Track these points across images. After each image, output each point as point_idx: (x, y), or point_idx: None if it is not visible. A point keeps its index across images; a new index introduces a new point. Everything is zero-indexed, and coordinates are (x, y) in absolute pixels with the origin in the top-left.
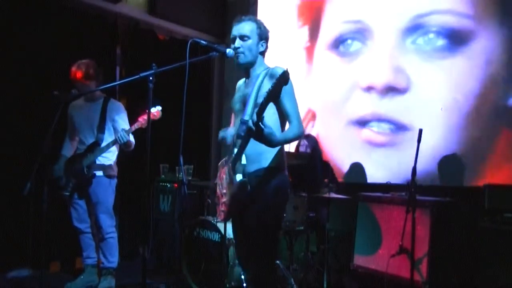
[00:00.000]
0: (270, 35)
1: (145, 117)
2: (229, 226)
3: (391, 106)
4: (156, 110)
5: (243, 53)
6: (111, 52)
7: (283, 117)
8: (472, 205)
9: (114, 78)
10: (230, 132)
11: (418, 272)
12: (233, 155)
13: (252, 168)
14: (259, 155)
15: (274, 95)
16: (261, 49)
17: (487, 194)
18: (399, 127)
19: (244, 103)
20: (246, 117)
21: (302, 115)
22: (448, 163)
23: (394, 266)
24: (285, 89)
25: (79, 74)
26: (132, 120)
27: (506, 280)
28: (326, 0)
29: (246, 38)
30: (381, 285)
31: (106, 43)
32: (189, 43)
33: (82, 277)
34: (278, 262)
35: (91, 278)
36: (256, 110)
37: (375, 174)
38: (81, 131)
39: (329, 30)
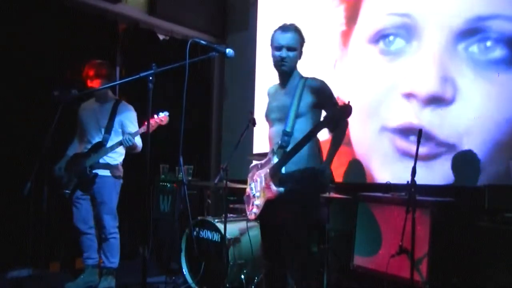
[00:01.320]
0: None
1: (152, 121)
2: (229, 226)
3: (432, 119)
4: (163, 115)
5: (288, 63)
6: (111, 52)
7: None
8: (472, 205)
9: (114, 78)
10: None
11: (418, 272)
12: (273, 164)
13: (291, 168)
14: (300, 158)
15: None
16: (299, 59)
17: (487, 194)
18: (438, 143)
19: (283, 113)
20: (288, 129)
21: None
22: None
23: (394, 266)
24: (326, 99)
25: (91, 72)
26: (139, 123)
27: (506, 280)
28: None
29: (292, 50)
30: (381, 285)
31: (106, 43)
32: (189, 43)
33: (82, 277)
34: None
35: (91, 278)
36: (297, 120)
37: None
38: (89, 131)
39: (369, 19)
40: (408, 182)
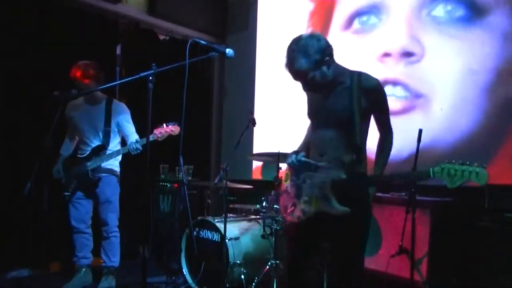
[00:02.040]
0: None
1: (161, 130)
2: (229, 226)
3: (405, 72)
4: (175, 126)
5: (314, 83)
6: (111, 52)
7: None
8: (472, 205)
9: (114, 78)
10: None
11: (418, 272)
12: (339, 178)
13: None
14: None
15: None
16: (325, 66)
17: (487, 194)
18: (413, 94)
19: (335, 118)
20: (356, 141)
21: (279, 116)
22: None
23: (394, 266)
24: (380, 102)
25: (78, 73)
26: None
27: (506, 280)
28: None
29: (310, 77)
30: (381, 285)
31: (106, 43)
32: (189, 43)
33: (78, 277)
34: (278, 262)
35: (87, 278)
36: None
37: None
38: (85, 134)
39: (343, 10)
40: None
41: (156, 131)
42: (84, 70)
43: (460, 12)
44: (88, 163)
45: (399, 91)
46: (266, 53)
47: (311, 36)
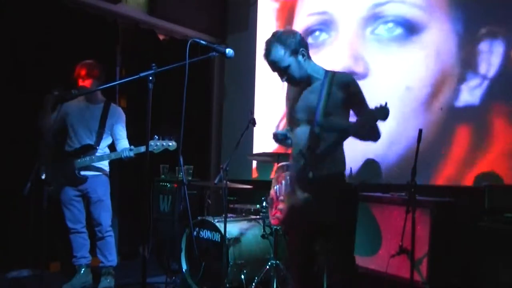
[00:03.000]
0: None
1: (158, 142)
2: (229, 226)
3: None
4: (171, 141)
5: (292, 78)
6: (111, 52)
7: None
8: (472, 205)
9: (114, 78)
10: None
11: (418, 272)
12: (300, 167)
13: (323, 172)
14: (323, 163)
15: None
16: (301, 57)
17: (487, 194)
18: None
19: (311, 113)
20: (317, 130)
21: (279, 116)
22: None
23: (394, 266)
24: (358, 95)
25: (83, 72)
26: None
27: (507, 280)
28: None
29: (287, 68)
30: (381, 285)
31: (106, 43)
32: (189, 43)
33: (78, 277)
34: (278, 262)
35: (87, 278)
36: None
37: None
38: (76, 131)
39: (299, 24)
40: (408, 182)
41: (152, 142)
42: (88, 70)
43: (398, 30)
44: (76, 161)
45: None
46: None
47: (288, 30)
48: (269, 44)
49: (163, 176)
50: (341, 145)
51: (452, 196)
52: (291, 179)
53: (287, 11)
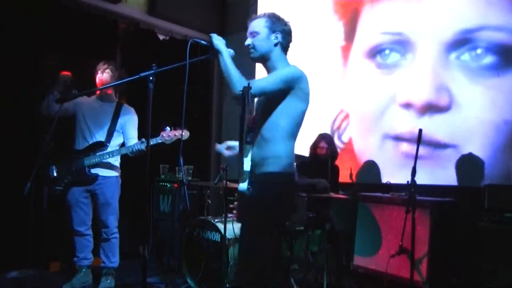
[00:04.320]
0: (291, 28)
1: (169, 133)
2: (229, 226)
3: (430, 125)
4: (184, 130)
5: (253, 48)
6: (111, 52)
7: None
8: (472, 205)
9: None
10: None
11: (418, 272)
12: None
13: (258, 171)
14: (263, 160)
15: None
16: (275, 41)
17: (487, 194)
18: (438, 147)
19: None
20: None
21: (334, 114)
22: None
23: (394, 266)
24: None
25: (105, 67)
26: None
27: (506, 280)
28: (364, 4)
29: (255, 34)
30: (381, 285)
31: (106, 43)
32: (189, 43)
33: (78, 277)
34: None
35: (87, 279)
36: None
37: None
38: (88, 128)
39: (366, 37)
40: (408, 182)
41: (164, 134)
42: (111, 68)
43: (490, 57)
44: (86, 159)
45: (424, 143)
46: (286, 46)
47: (284, 18)
48: (258, 15)
49: (163, 176)
50: (282, 143)
51: (452, 196)
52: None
53: (350, 12)
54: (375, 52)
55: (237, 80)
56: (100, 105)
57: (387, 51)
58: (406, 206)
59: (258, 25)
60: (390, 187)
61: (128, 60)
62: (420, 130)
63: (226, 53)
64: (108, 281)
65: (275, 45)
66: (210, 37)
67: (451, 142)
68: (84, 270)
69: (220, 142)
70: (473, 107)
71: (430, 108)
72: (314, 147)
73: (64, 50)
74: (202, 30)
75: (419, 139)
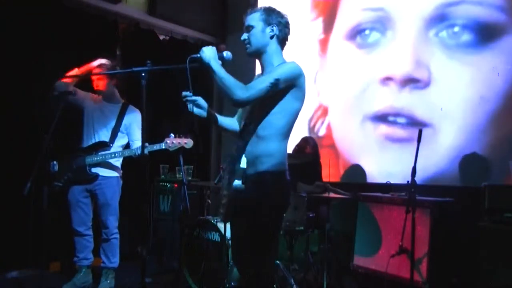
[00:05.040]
0: (288, 20)
1: (173, 140)
2: (229, 226)
3: (410, 100)
4: (188, 139)
5: (248, 43)
6: (111, 52)
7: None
8: (472, 205)
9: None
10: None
11: (418, 272)
12: (232, 158)
13: (250, 171)
14: (257, 158)
15: None
16: (270, 33)
17: (487, 194)
18: (417, 123)
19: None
20: (247, 120)
21: (312, 110)
22: (470, 163)
23: (394, 266)
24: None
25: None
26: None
27: (506, 280)
28: None
29: (250, 28)
30: (381, 285)
31: (106, 43)
32: (188, 60)
33: (78, 277)
34: (278, 262)
35: (87, 279)
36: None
37: (393, 169)
38: (92, 127)
39: (346, 18)
40: (408, 182)
41: (168, 140)
42: (104, 69)
43: (467, 35)
44: (87, 158)
45: (402, 120)
46: (283, 39)
47: (281, 12)
48: (254, 9)
49: (163, 176)
50: (277, 140)
51: (452, 196)
52: (228, 171)
53: (329, 3)
54: (356, 32)
55: (234, 85)
56: (105, 106)
57: (367, 31)
58: (406, 206)
59: (253, 19)
60: (390, 187)
61: (128, 60)
62: (420, 130)
63: (215, 64)
64: (108, 281)
65: (271, 37)
66: (200, 51)
67: (429, 121)
68: (84, 270)
69: (220, 142)
70: (451, 84)
71: (410, 82)
72: (299, 150)
73: (64, 50)
74: (202, 30)
75: (419, 139)
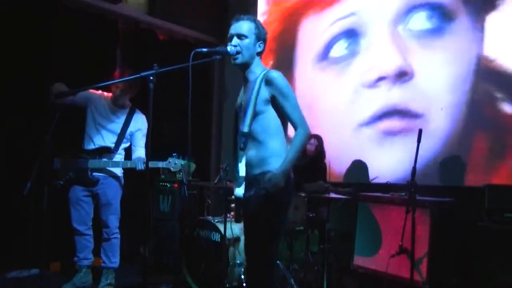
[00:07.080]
0: (268, 36)
1: (177, 161)
2: (229, 226)
3: (400, 95)
4: (191, 163)
5: (240, 52)
6: (111, 52)
7: (284, 117)
8: (472, 205)
9: (113, 78)
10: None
11: (418, 272)
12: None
13: (256, 171)
14: (262, 160)
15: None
16: (258, 49)
17: (487, 194)
18: (412, 116)
19: (244, 111)
20: (245, 129)
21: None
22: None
23: (394, 266)
24: (281, 91)
25: (116, 75)
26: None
27: (506, 280)
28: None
29: (243, 37)
30: (381, 285)
31: (106, 43)
32: (192, 54)
33: (78, 277)
34: (278, 262)
35: (87, 279)
36: (255, 119)
37: (390, 164)
38: (98, 130)
39: (313, 41)
40: (408, 182)
41: (171, 160)
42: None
43: (429, 23)
44: (90, 161)
45: (398, 114)
46: (265, 53)
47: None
48: (244, 16)
49: (163, 176)
50: (277, 140)
51: (452, 196)
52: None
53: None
54: (328, 48)
55: (300, 142)
56: (113, 109)
57: (342, 41)
58: (406, 206)
59: (248, 30)
60: (390, 187)
61: (128, 60)
62: (420, 130)
63: (286, 166)
64: (108, 281)
65: (258, 54)
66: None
67: (421, 109)
68: (84, 270)
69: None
70: (429, 71)
71: (396, 79)
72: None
73: (64, 50)
74: (202, 30)
75: (418, 139)
